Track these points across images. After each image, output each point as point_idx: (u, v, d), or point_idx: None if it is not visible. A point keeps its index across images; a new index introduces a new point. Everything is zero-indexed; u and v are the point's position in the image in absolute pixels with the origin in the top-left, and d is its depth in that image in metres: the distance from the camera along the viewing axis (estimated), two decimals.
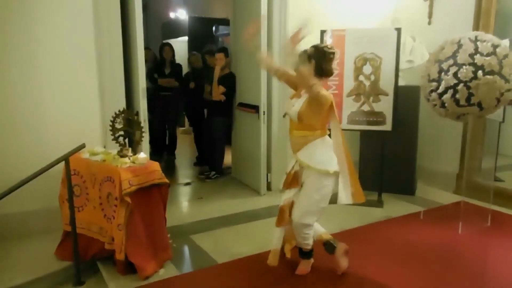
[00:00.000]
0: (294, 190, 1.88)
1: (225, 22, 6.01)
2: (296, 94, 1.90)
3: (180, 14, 7.24)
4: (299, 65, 1.73)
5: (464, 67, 2.30)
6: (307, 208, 1.83)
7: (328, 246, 1.96)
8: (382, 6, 3.65)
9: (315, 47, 1.82)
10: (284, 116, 1.98)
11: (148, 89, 2.84)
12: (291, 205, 1.87)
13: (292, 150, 1.90)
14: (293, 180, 1.88)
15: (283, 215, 1.89)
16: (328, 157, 1.82)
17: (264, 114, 3.16)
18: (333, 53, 1.80)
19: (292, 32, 1.75)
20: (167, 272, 1.99)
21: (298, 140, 1.84)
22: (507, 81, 2.31)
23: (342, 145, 1.84)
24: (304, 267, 1.99)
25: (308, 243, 1.92)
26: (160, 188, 2.02)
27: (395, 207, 2.96)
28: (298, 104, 1.81)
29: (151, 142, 3.69)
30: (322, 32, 2.95)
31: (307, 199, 1.82)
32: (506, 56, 2.32)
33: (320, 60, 1.79)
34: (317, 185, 1.80)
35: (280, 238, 1.95)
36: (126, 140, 2.10)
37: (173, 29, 7.03)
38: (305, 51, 1.82)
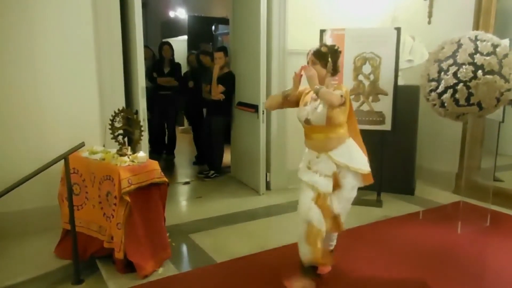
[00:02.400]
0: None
1: (224, 21, 6.01)
2: (314, 99, 1.84)
3: (180, 13, 7.23)
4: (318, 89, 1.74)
5: (463, 66, 2.30)
6: (347, 208, 1.85)
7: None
8: (382, 6, 3.64)
9: (329, 47, 1.83)
10: (307, 123, 1.82)
11: (147, 88, 2.84)
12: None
13: (317, 150, 1.81)
14: (336, 182, 1.80)
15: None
16: (364, 157, 1.85)
17: (263, 113, 3.16)
18: (340, 52, 1.88)
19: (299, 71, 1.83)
20: (166, 271, 1.99)
21: (325, 142, 1.78)
22: (506, 80, 2.31)
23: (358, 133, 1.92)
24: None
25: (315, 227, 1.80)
26: (159, 187, 2.02)
27: (394, 206, 2.96)
28: (321, 108, 1.75)
29: (150, 141, 3.69)
30: (322, 32, 2.94)
31: (348, 199, 1.82)
32: (506, 55, 2.32)
33: (335, 58, 1.83)
34: (354, 184, 1.82)
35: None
36: (126, 139, 2.10)
37: (173, 28, 7.02)
38: (319, 51, 1.81)
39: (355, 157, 1.81)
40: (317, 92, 1.72)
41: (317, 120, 1.77)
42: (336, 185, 1.79)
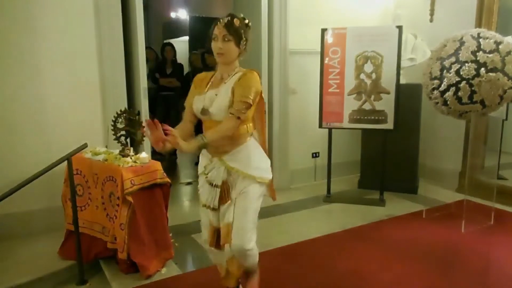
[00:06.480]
0: (224, 209, 1.44)
1: None
2: (214, 84, 1.42)
3: (181, 14, 7.25)
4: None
5: (466, 64, 2.29)
6: (251, 227, 1.42)
7: None
8: (383, 4, 3.63)
9: (241, 20, 1.39)
10: (203, 114, 1.39)
11: (149, 89, 2.85)
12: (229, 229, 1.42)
13: (211, 153, 1.44)
14: (225, 194, 1.43)
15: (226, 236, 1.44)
16: (265, 162, 1.48)
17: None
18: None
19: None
20: (169, 271, 2.00)
21: (224, 141, 1.37)
22: (510, 78, 2.29)
23: (264, 142, 1.53)
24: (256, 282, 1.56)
25: (256, 260, 1.51)
26: (162, 187, 2.02)
27: (397, 205, 2.95)
28: (222, 95, 1.36)
29: None
30: (323, 31, 2.94)
31: (248, 215, 1.40)
32: (509, 53, 2.30)
33: (248, 35, 1.41)
34: (256, 195, 1.43)
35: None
36: (128, 140, 2.11)
37: (174, 29, 7.04)
38: (231, 24, 1.35)
39: (254, 162, 1.43)
40: (204, 145, 1.27)
41: (217, 112, 1.36)
42: (226, 197, 1.43)
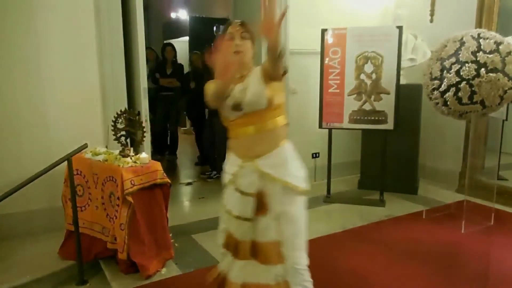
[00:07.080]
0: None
1: (226, 21, 6.01)
2: (238, 79, 1.29)
3: (181, 14, 7.25)
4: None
5: (466, 64, 2.29)
6: (303, 244, 1.29)
7: None
8: (383, 4, 3.63)
9: (250, 29, 1.32)
10: (236, 109, 1.25)
11: (149, 89, 2.85)
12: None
13: (241, 157, 1.30)
14: (261, 204, 1.27)
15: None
16: (301, 171, 1.31)
17: None
18: None
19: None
20: (169, 271, 2.00)
21: (256, 139, 1.24)
22: (510, 78, 2.29)
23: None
24: None
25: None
26: (162, 187, 2.03)
27: (397, 206, 2.95)
28: (254, 82, 1.24)
29: (152, 142, 3.71)
30: (323, 31, 2.94)
31: (297, 229, 1.27)
32: (509, 53, 2.30)
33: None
34: (301, 209, 1.29)
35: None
36: (128, 140, 2.11)
37: (174, 29, 7.04)
38: (246, 24, 1.29)
39: (292, 168, 1.28)
40: (282, 55, 1.11)
41: (254, 100, 1.22)
42: (264, 208, 1.26)
